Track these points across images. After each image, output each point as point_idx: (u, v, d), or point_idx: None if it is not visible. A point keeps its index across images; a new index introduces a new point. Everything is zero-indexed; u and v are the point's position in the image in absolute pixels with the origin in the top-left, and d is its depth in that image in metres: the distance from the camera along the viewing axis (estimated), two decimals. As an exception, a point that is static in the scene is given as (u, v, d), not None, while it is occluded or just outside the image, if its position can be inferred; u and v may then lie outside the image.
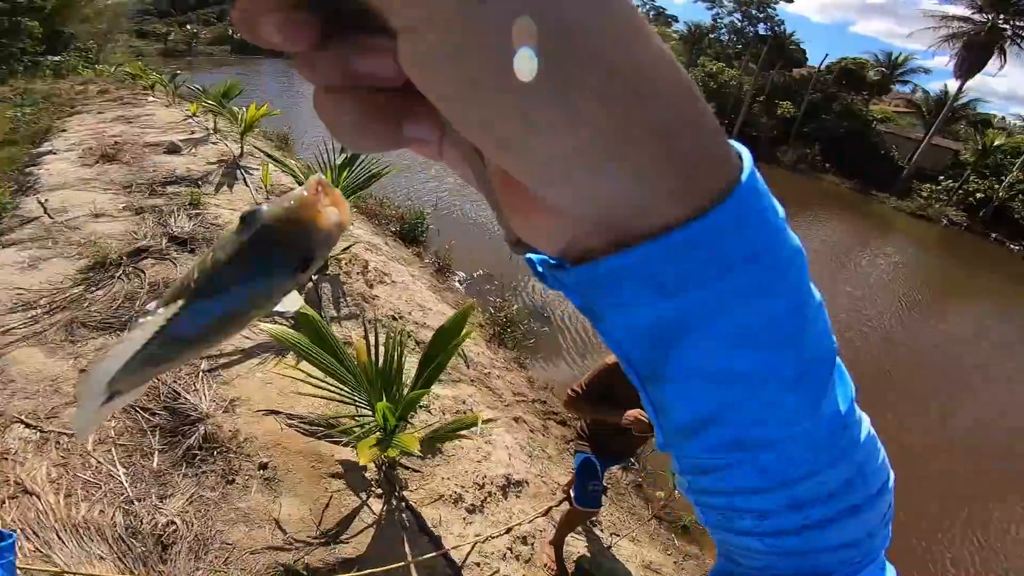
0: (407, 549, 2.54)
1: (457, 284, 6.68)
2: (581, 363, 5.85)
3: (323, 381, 2.56)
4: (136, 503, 2.22)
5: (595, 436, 2.60)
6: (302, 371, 2.54)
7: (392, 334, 2.76)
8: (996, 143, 21.63)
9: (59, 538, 2.00)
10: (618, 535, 3.35)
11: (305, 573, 2.22)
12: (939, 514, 5.19)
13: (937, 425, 6.90)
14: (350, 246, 4.91)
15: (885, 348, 8.75)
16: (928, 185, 22.54)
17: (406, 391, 2.64)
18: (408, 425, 2.90)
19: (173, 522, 2.16)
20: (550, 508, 3.28)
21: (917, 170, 23.23)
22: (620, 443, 2.53)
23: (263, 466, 2.59)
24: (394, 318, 4.51)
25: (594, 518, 3.47)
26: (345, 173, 4.37)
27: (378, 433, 2.50)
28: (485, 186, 0.24)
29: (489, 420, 2.72)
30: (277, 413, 2.98)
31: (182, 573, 2.03)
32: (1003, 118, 28.59)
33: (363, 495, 2.71)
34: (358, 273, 4.77)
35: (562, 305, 6.99)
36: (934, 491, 5.44)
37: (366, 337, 2.69)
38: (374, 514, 2.62)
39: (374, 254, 5.63)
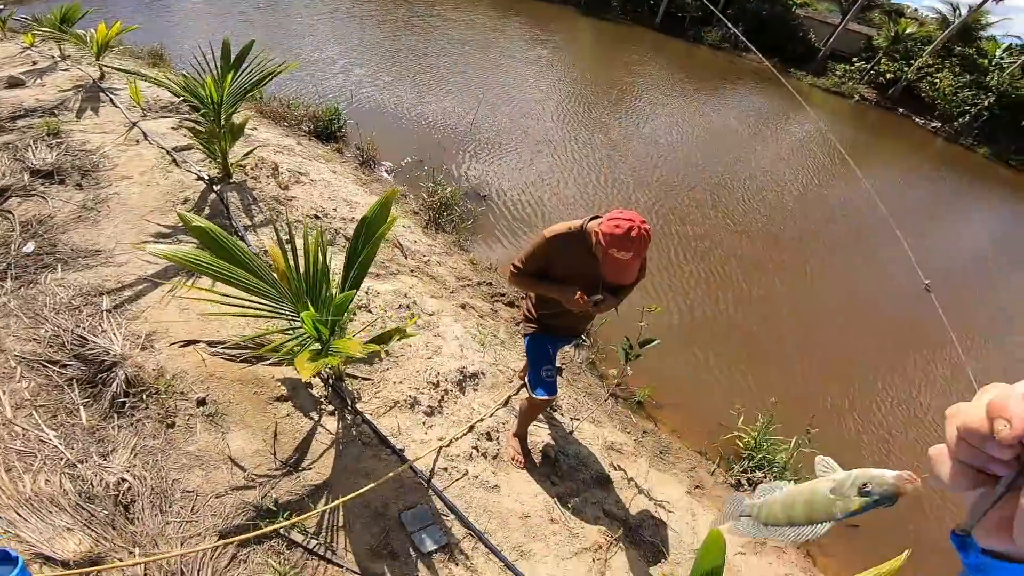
0: (371, 466, 2.31)
1: (385, 175, 5.95)
2: (524, 238, 5.57)
3: (240, 299, 2.01)
4: (79, 465, 1.91)
5: (542, 317, 2.30)
6: (215, 292, 1.95)
7: (314, 234, 2.19)
8: (908, 31, 22.59)
9: (19, 515, 1.70)
10: (579, 419, 3.22)
11: (276, 509, 2.00)
12: (834, 368, 5.66)
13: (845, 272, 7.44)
14: (252, 151, 4.05)
15: (799, 206, 9.23)
16: (842, 65, 23.32)
17: (336, 293, 2.14)
18: (345, 330, 2.44)
19: (124, 479, 1.90)
20: (509, 398, 3.05)
21: (832, 52, 23.90)
22: (569, 320, 2.26)
23: (201, 402, 2.25)
24: (317, 217, 3.88)
25: (554, 403, 3.30)
26: (230, 77, 3.39)
27: (314, 344, 2.05)
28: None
29: (408, 334, 2.30)
30: (199, 343, 2.50)
31: (153, 530, 1.81)
32: (916, 9, 29.53)
33: (314, 415, 2.40)
34: (268, 177, 4.00)
35: (498, 181, 6.52)
36: (834, 344, 5.92)
37: (280, 242, 2.17)
38: (331, 433, 2.35)
39: (286, 155, 4.85)
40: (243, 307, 2.02)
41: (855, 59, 23.65)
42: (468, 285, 4.20)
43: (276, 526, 1.86)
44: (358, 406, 2.53)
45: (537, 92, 10.55)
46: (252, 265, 2.01)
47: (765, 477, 3.51)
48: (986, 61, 22.14)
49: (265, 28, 10.73)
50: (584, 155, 8.28)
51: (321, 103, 6.48)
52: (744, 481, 3.56)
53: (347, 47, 10.37)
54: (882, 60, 22.94)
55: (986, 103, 20.74)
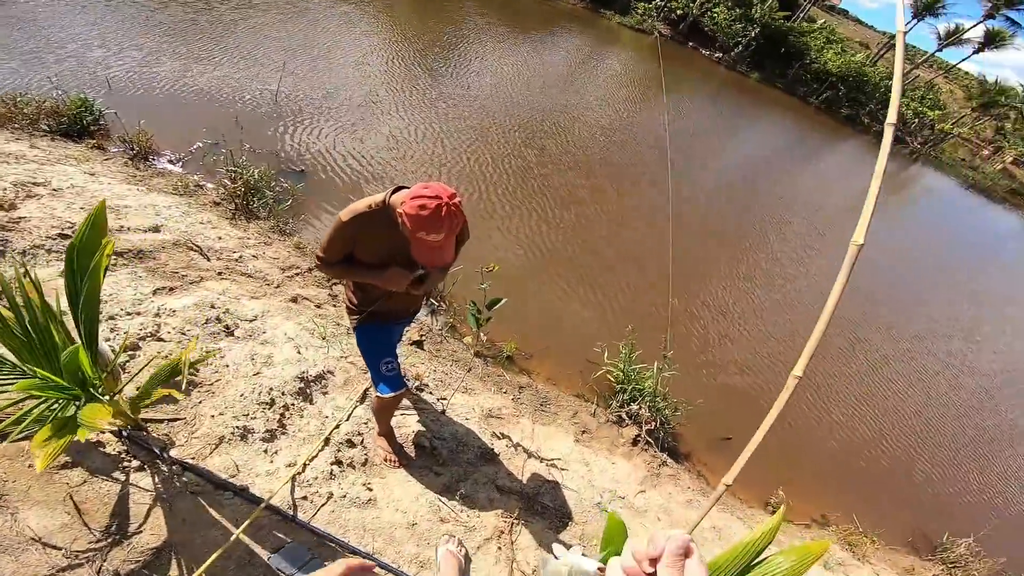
0: (214, 515, 1.90)
1: (169, 165, 4.83)
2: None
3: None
4: None
5: (365, 304, 1.97)
6: None
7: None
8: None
9: None
10: (446, 397, 3.01)
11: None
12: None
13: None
14: None
15: (621, 136, 9.95)
16: (643, 3, 25.33)
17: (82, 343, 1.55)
18: (118, 378, 1.85)
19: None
20: (365, 391, 2.71)
21: (633, -10, 25.62)
22: (397, 302, 1.95)
23: None
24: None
25: (420, 383, 3.05)
26: None
27: (65, 410, 1.49)
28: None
29: (197, 361, 1.85)
30: None
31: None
32: None
33: (118, 475, 1.88)
34: None
35: (316, 152, 5.80)
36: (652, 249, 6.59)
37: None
38: (148, 491, 1.88)
39: (12, 165, 3.60)
40: None
41: (652, -3, 25.84)
42: (297, 274, 3.64)
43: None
44: (173, 452, 2.01)
45: (352, 52, 9.54)
46: None
47: (640, 408, 3.66)
48: (750, -5, 25.59)
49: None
50: (412, 111, 7.76)
51: (63, 95, 5.01)
52: (624, 416, 3.68)
53: (102, 26, 8.21)
54: (673, -2, 25.36)
55: (752, 34, 24.18)
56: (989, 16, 25.07)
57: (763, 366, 5.23)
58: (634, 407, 3.71)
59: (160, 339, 2.39)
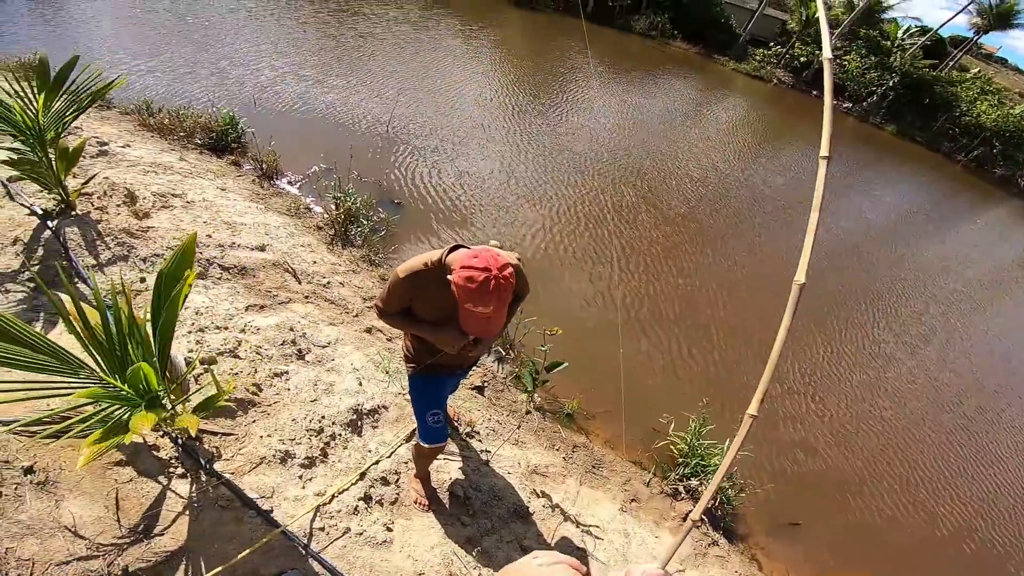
0: (232, 531, 1.98)
1: (287, 187, 5.42)
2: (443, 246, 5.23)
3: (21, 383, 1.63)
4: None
5: (420, 354, 1.99)
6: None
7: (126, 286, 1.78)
8: (817, 15, 23.46)
9: None
10: (490, 451, 2.94)
11: (124, 578, 1.67)
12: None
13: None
14: (91, 177, 3.46)
15: (729, 185, 9.48)
16: (761, 50, 24.52)
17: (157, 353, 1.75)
18: (179, 389, 2.05)
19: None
20: (413, 431, 2.74)
21: (752, 37, 25.09)
22: (451, 357, 1.93)
23: (28, 470, 1.91)
24: (195, 250, 3.36)
25: (471, 430, 3.03)
26: (42, 99, 2.82)
27: (120, 413, 1.69)
28: None
29: (220, 401, 1.95)
30: None
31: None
32: None
33: (162, 479, 2.04)
34: (119, 205, 3.44)
35: (413, 183, 6.13)
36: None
37: (96, 295, 1.74)
38: (182, 498, 2.02)
39: (158, 175, 4.26)
40: (27, 390, 1.61)
41: (772, 44, 24.83)
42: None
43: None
44: (217, 465, 2.16)
45: (460, 89, 10.18)
46: (30, 339, 1.60)
47: (700, 484, 3.37)
48: (889, 43, 23.65)
49: (175, 32, 9.76)
50: (513, 153, 8.01)
51: (218, 112, 5.86)
52: (681, 489, 3.41)
53: (258, 49, 9.59)
54: (796, 44, 24.13)
55: (890, 83, 22.17)
56: None
57: (850, 454, 4.60)
58: (694, 482, 3.44)
59: (236, 356, 2.60)
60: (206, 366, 2.45)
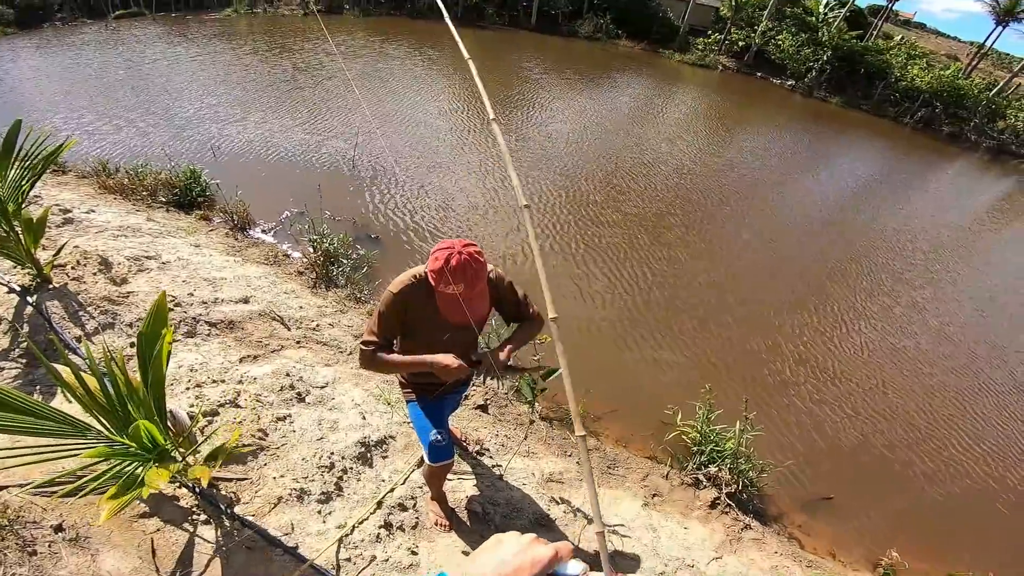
0: (263, 571, 2.01)
1: (261, 235, 5.40)
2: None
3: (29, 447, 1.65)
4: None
5: (415, 380, 2.03)
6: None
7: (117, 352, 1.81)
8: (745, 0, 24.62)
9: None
10: (501, 465, 2.95)
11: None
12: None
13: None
14: (61, 248, 3.42)
15: (694, 174, 9.66)
16: (701, 39, 25.23)
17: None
18: (187, 442, 2.06)
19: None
20: (423, 456, 2.74)
21: (690, 28, 25.93)
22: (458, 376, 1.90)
23: (58, 528, 1.94)
24: (167, 308, 3.35)
25: (481, 447, 3.05)
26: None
27: (133, 469, 1.71)
28: None
29: (229, 452, 1.98)
30: (12, 487, 2.02)
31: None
32: None
33: (188, 526, 2.06)
34: (95, 274, 3.42)
35: (387, 215, 6.15)
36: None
37: (91, 361, 1.79)
38: (210, 543, 2.04)
39: (128, 239, 4.23)
40: (38, 453, 1.62)
41: (710, 32, 25.68)
42: (368, 340, 3.87)
43: None
44: (237, 509, 2.16)
45: (424, 110, 10.32)
46: (33, 408, 1.60)
47: (720, 471, 3.39)
48: (814, 19, 24.63)
49: (119, 85, 9.67)
50: (481, 165, 8.12)
51: (178, 166, 5.83)
52: (702, 478, 3.42)
53: (210, 97, 9.56)
54: (732, 29, 25.02)
55: (824, 57, 23.10)
56: None
57: (862, 419, 4.68)
58: (712, 469, 3.44)
59: (237, 406, 2.60)
60: (209, 419, 2.45)
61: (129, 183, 5.50)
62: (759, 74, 24.13)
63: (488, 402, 3.61)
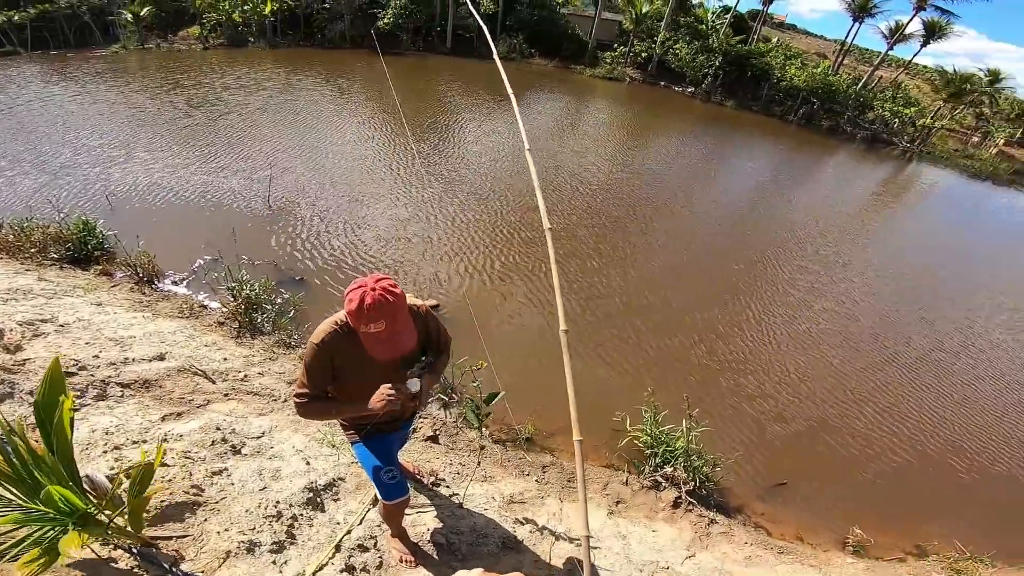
0: None
1: (173, 287, 4.98)
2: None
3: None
4: None
5: (355, 421, 1.96)
6: None
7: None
8: (644, 11, 26.40)
9: None
10: (458, 494, 2.90)
11: None
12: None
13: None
14: None
15: (614, 182, 10.10)
16: (608, 53, 26.61)
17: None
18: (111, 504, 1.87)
19: None
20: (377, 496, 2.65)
21: (598, 43, 27.21)
22: (390, 414, 1.84)
23: None
24: (70, 373, 3.03)
25: (436, 478, 2.98)
26: None
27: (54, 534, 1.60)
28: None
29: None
30: None
31: None
32: None
33: None
34: None
35: (312, 254, 5.90)
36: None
37: None
38: None
39: (19, 303, 3.79)
40: None
41: (616, 45, 27.15)
42: (303, 385, 3.68)
43: None
44: (184, 567, 1.99)
45: (345, 144, 10.06)
46: None
47: (675, 470, 3.48)
48: (704, 27, 26.75)
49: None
50: (405, 193, 8.01)
51: (68, 218, 5.28)
52: (661, 479, 3.49)
53: (102, 138, 8.77)
54: (634, 42, 26.62)
55: (716, 63, 25.13)
56: (920, 8, 25.73)
57: (797, 402, 5.00)
58: (668, 469, 3.52)
59: (164, 464, 2.40)
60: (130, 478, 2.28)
61: (15, 240, 4.92)
62: (663, 83, 25.77)
63: (438, 432, 3.54)
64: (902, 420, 5.04)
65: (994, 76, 26.50)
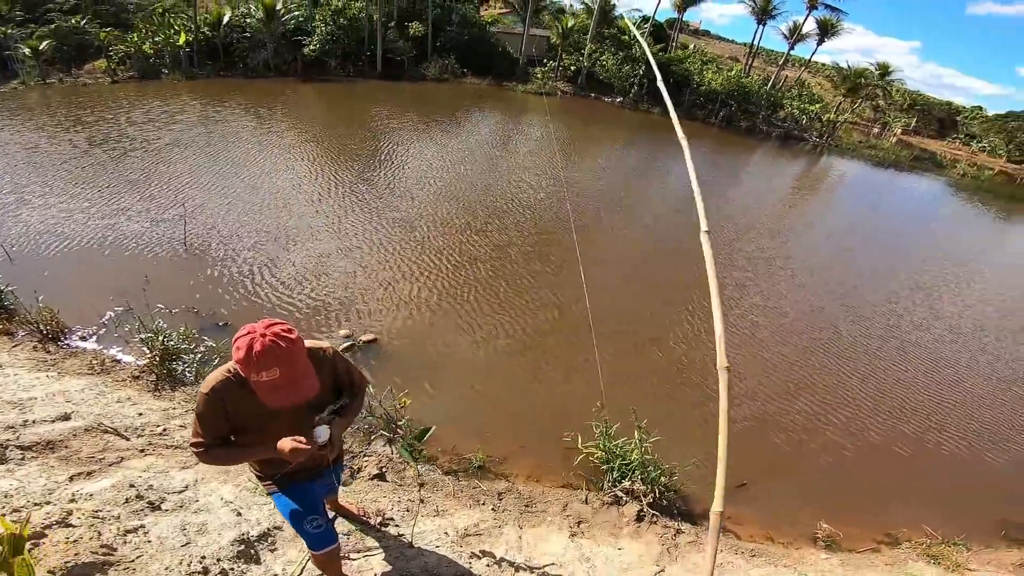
0: None
1: (80, 343, 4.50)
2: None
3: None
4: None
5: (268, 471, 1.79)
6: None
7: None
8: (569, 24, 27.26)
9: None
10: (404, 534, 2.74)
11: None
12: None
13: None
14: None
15: (543, 205, 10.08)
16: (539, 68, 27.19)
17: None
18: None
19: None
20: (313, 549, 2.46)
21: (528, 59, 27.76)
22: (310, 458, 1.64)
23: None
24: None
25: (383, 518, 2.81)
26: None
27: None
28: None
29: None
30: None
31: None
32: (571, 4, 35.41)
33: None
34: None
35: (235, 297, 5.52)
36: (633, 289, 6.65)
37: None
38: None
39: None
40: None
41: (546, 60, 27.87)
42: (230, 435, 3.41)
43: None
44: None
45: (270, 176, 9.59)
46: None
47: (633, 484, 3.42)
48: (626, 37, 27.94)
49: None
50: (333, 228, 7.69)
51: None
52: (620, 494, 3.41)
53: None
54: (563, 56, 27.43)
55: (640, 72, 26.30)
56: (812, 7, 28.11)
57: (738, 400, 5.03)
58: (627, 483, 3.45)
59: (69, 525, 2.13)
60: (33, 542, 2.01)
61: None
62: (593, 95, 26.66)
63: (384, 469, 3.36)
64: (838, 409, 5.22)
65: (884, 70, 29.17)
